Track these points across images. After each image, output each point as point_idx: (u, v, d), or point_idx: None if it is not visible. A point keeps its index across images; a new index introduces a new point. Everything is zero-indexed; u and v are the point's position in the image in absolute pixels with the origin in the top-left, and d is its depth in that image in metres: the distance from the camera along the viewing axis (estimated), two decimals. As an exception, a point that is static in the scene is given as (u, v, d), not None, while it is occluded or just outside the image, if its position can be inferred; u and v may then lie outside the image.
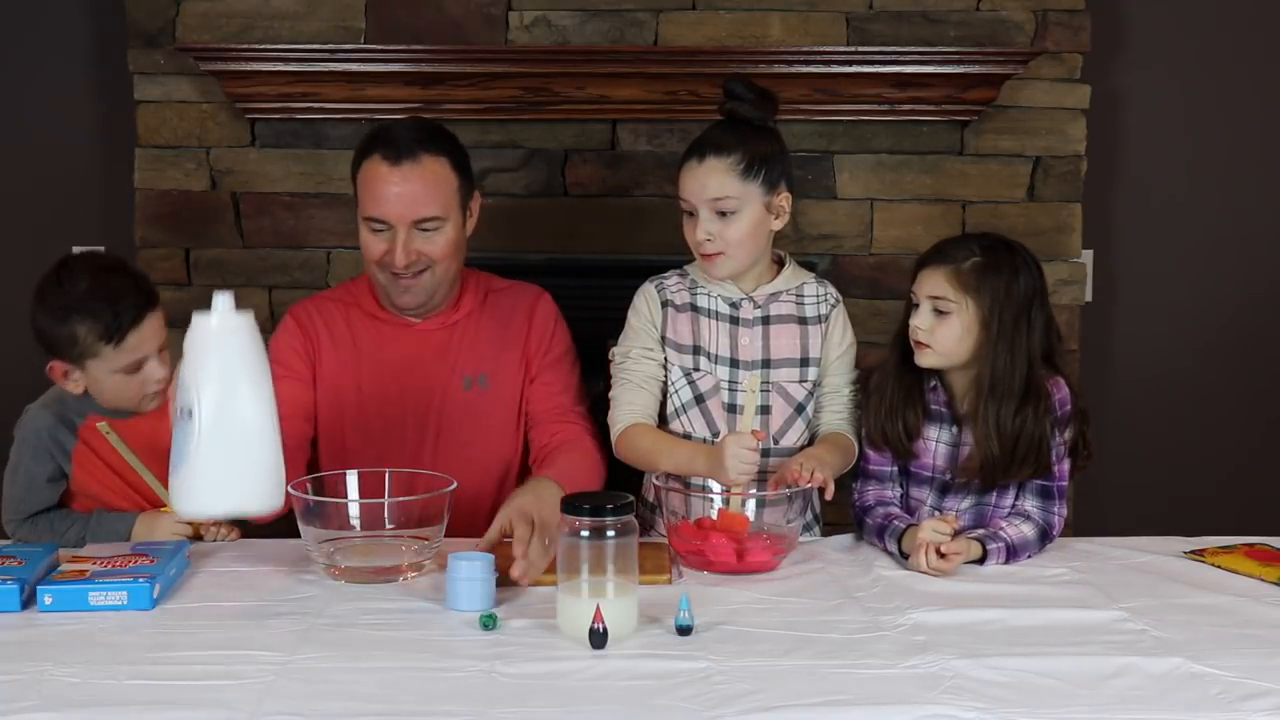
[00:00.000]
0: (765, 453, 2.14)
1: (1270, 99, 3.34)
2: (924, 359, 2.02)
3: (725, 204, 2.08)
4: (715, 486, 2.04)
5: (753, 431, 1.97)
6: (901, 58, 2.94)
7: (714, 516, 1.98)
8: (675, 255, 2.83)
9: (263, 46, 2.92)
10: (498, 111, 3.00)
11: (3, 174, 3.27)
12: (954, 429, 2.05)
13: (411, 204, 2.13)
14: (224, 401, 1.64)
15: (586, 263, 3.08)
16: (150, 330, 2.04)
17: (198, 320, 1.66)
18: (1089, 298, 3.24)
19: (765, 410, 2.15)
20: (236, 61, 2.91)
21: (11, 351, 3.30)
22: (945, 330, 1.99)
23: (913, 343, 2.02)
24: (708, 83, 2.95)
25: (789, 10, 3.02)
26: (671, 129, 3.06)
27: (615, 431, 2.15)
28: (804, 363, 2.16)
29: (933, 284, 2.00)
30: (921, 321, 2.00)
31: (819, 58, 2.94)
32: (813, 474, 1.96)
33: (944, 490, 2.06)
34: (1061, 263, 3.11)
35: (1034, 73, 3.02)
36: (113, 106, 3.16)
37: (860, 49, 2.97)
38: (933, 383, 2.07)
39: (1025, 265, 2.00)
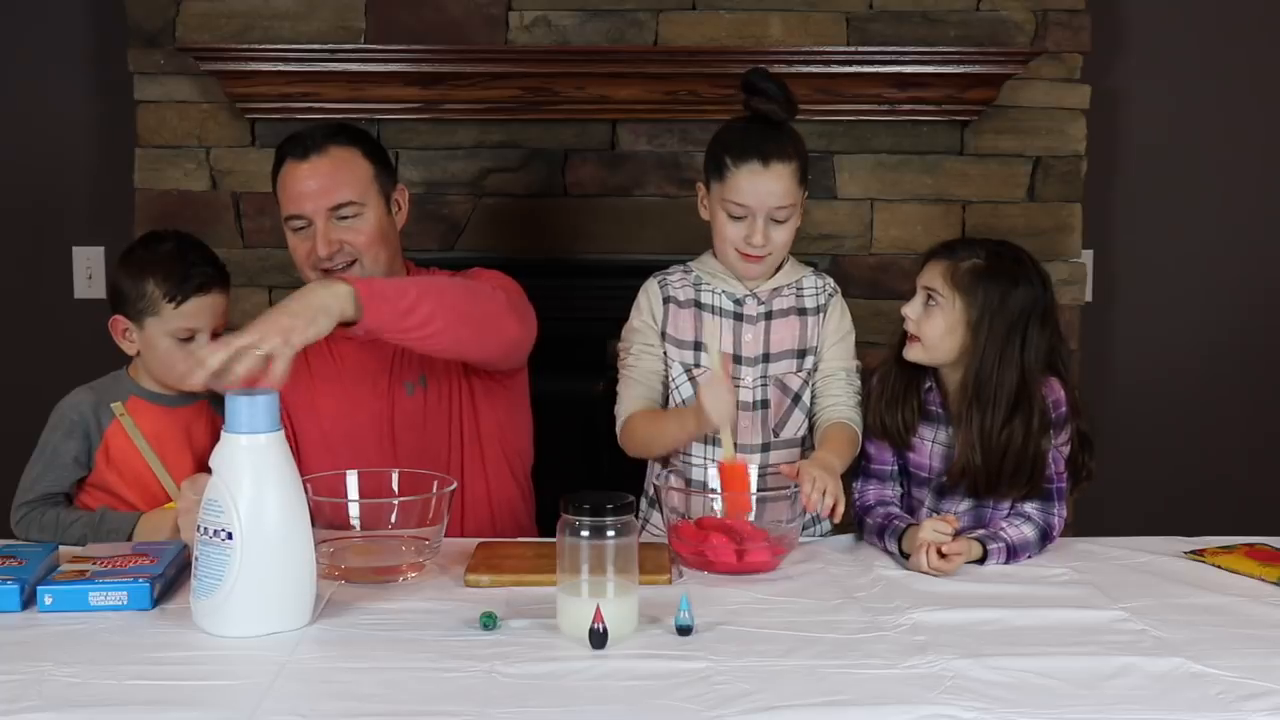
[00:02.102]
0: (765, 446, 2.15)
1: (1270, 99, 3.35)
2: (911, 352, 2.03)
3: (784, 211, 2.08)
4: (715, 486, 2.05)
5: (721, 369, 1.99)
6: (901, 58, 2.95)
7: (713, 517, 1.98)
8: (675, 255, 2.83)
9: (263, 46, 2.92)
10: (498, 111, 3.00)
11: (3, 174, 3.27)
12: (949, 430, 2.05)
13: (324, 192, 2.13)
14: (265, 525, 1.63)
15: (586, 263, 3.08)
16: (212, 305, 2.14)
17: (229, 440, 1.64)
18: (1089, 298, 3.24)
19: (764, 405, 2.15)
20: (236, 61, 2.92)
21: (13, 350, 3.31)
22: (930, 323, 2.00)
23: (905, 333, 2.03)
24: (708, 83, 2.96)
25: (789, 10, 3.02)
26: (671, 129, 3.06)
27: (617, 427, 2.16)
28: (801, 354, 2.16)
29: (930, 275, 2.02)
30: (911, 310, 2.02)
31: (819, 58, 2.94)
32: (823, 495, 1.92)
33: (940, 492, 2.06)
34: (1061, 263, 3.11)
35: (1034, 73, 3.02)
36: (113, 106, 3.16)
37: (860, 49, 2.97)
38: (928, 384, 2.07)
39: (1027, 279, 2.00)
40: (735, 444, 2.04)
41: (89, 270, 3.27)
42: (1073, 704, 1.45)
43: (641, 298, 2.20)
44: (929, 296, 2.00)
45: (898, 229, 3.08)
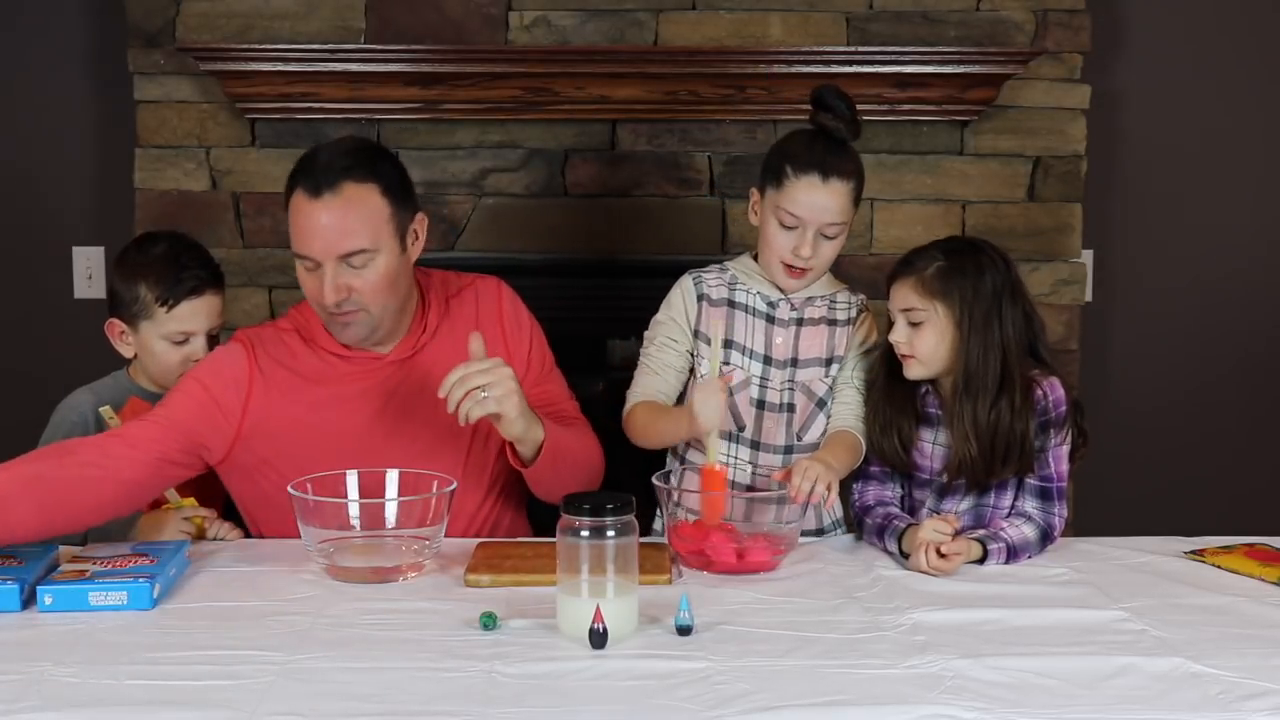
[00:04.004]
0: (788, 449, 2.15)
1: (1269, 98, 3.35)
2: (911, 371, 2.03)
3: (835, 228, 2.09)
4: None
5: (720, 376, 1.99)
6: (901, 58, 2.95)
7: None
8: (675, 255, 2.83)
9: (263, 46, 2.92)
10: (498, 111, 3.00)
11: (3, 174, 3.27)
12: (948, 430, 2.05)
13: (335, 237, 1.98)
14: None
15: (586, 263, 3.08)
16: (204, 308, 2.14)
17: None
18: (1089, 298, 3.24)
19: (790, 408, 2.15)
20: (236, 61, 2.92)
21: (13, 350, 3.31)
22: (921, 340, 2.00)
23: (899, 356, 2.04)
24: (707, 83, 2.96)
25: (789, 10, 3.02)
26: (671, 129, 3.06)
27: (624, 413, 2.16)
28: (828, 362, 2.17)
29: (902, 296, 2.02)
30: (899, 335, 2.02)
31: (819, 58, 2.94)
32: (812, 491, 1.94)
33: (942, 492, 2.06)
34: (1061, 263, 3.12)
35: (1034, 73, 3.03)
36: (113, 106, 3.17)
37: (860, 49, 2.97)
38: (924, 387, 2.08)
39: (991, 262, 2.01)
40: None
41: (89, 270, 3.27)
42: (1073, 704, 1.45)
43: (675, 293, 2.20)
44: (908, 317, 2.01)
45: (898, 229, 3.08)
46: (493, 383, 1.88)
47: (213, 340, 2.18)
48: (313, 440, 2.06)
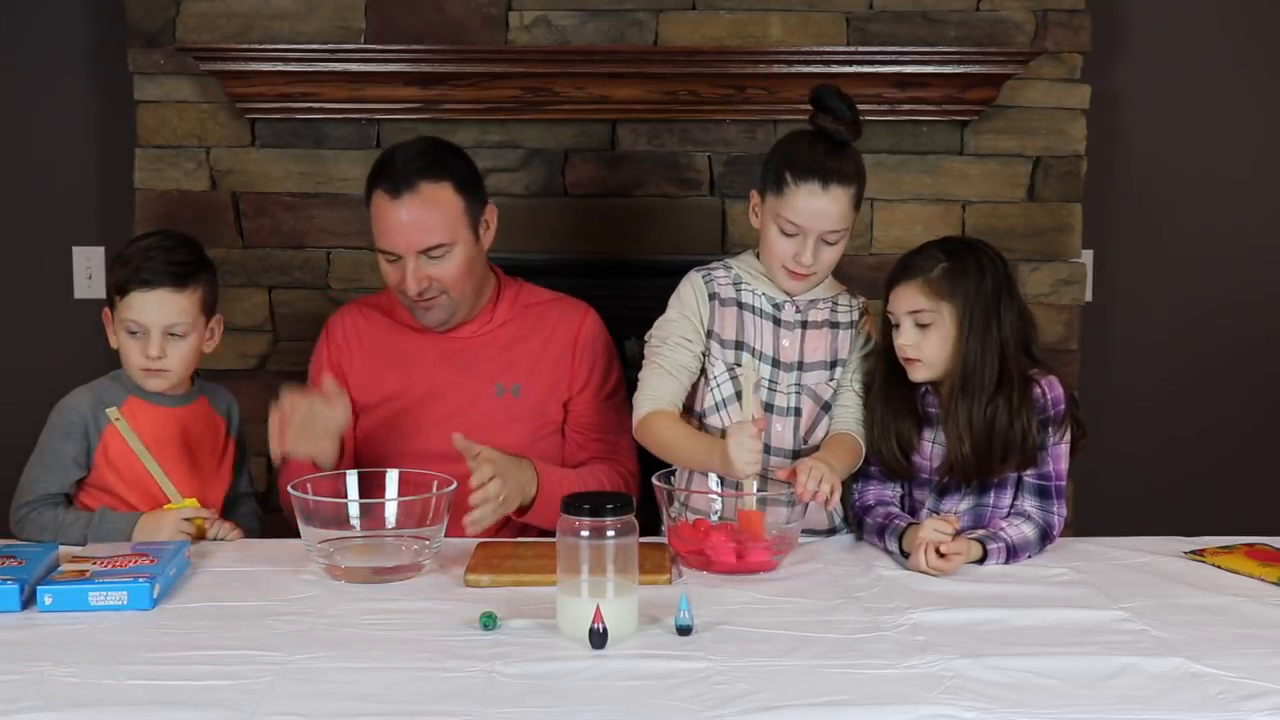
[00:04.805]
0: (796, 453, 2.14)
1: (1269, 99, 3.35)
2: (917, 374, 2.02)
3: (836, 235, 2.07)
4: (714, 486, 2.06)
5: (754, 419, 1.96)
6: (901, 58, 2.95)
7: (713, 520, 1.99)
8: (675, 255, 2.83)
9: (263, 46, 2.92)
10: (498, 111, 3.00)
11: (3, 174, 3.27)
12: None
13: (415, 234, 2.16)
14: None
15: (586, 263, 3.08)
16: (154, 302, 2.09)
17: None
18: (1089, 298, 3.24)
19: (797, 413, 2.14)
20: (236, 61, 2.92)
21: (13, 350, 3.31)
22: (930, 342, 2.00)
23: (902, 360, 2.03)
24: (707, 83, 2.96)
25: (789, 10, 3.02)
26: (671, 129, 3.06)
27: (637, 416, 2.13)
28: (832, 365, 2.16)
29: (909, 299, 2.01)
30: (906, 339, 2.01)
31: (819, 58, 2.94)
32: (818, 488, 1.94)
33: (942, 492, 2.06)
34: (1061, 263, 3.11)
35: (1034, 73, 3.03)
36: (113, 106, 3.17)
37: (860, 49, 2.97)
38: (924, 387, 2.07)
39: (990, 261, 2.01)
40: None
41: (89, 270, 3.27)
42: (1073, 704, 1.46)
43: (685, 291, 2.17)
44: (916, 319, 2.00)
45: (898, 229, 3.08)
46: (502, 494, 2.02)
47: (179, 341, 2.12)
48: (380, 396, 2.27)
